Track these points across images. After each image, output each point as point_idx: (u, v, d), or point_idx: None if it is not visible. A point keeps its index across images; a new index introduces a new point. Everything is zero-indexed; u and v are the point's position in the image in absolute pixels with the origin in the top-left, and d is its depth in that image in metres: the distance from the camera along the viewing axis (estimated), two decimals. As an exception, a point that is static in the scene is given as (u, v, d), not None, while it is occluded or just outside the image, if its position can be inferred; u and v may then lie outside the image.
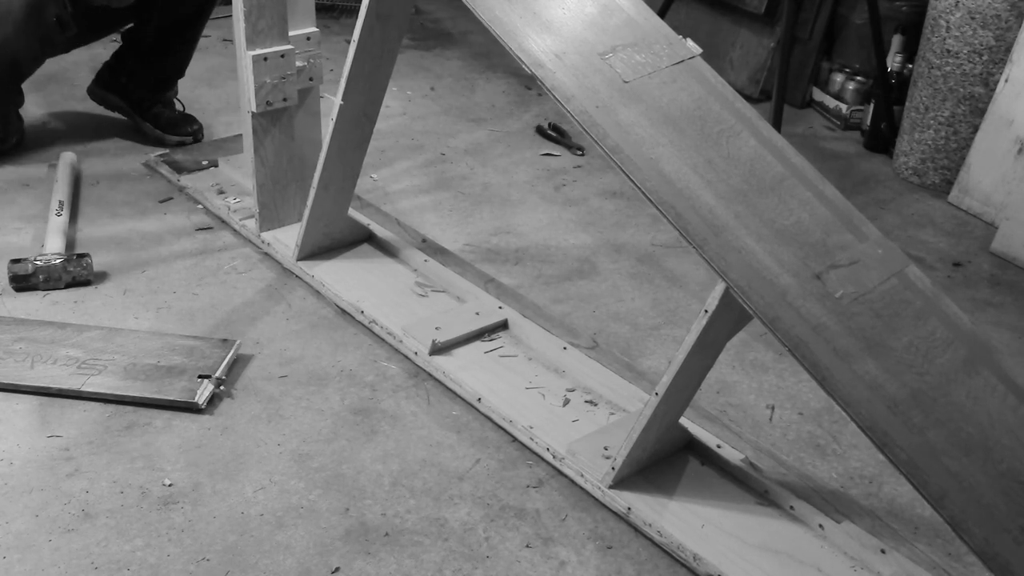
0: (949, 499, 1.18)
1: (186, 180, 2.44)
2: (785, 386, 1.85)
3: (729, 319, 1.40)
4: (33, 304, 1.98)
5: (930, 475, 1.19)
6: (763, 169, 1.42)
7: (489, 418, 1.71)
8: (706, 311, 1.37)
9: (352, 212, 2.17)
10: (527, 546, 1.47)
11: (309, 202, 2.01)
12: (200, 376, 1.75)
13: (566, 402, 1.72)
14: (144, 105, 2.68)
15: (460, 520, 1.52)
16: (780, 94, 2.58)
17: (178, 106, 2.73)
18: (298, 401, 1.75)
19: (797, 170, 1.44)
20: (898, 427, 1.21)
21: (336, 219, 2.09)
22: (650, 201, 1.35)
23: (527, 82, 3.25)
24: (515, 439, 1.67)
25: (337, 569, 1.42)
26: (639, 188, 1.36)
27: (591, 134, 1.39)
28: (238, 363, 1.83)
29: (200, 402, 1.70)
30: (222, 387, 1.76)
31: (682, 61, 1.51)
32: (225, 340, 1.85)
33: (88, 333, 1.85)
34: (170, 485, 1.56)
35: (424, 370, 1.82)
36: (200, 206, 2.37)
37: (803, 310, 1.28)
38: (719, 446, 1.61)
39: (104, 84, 2.70)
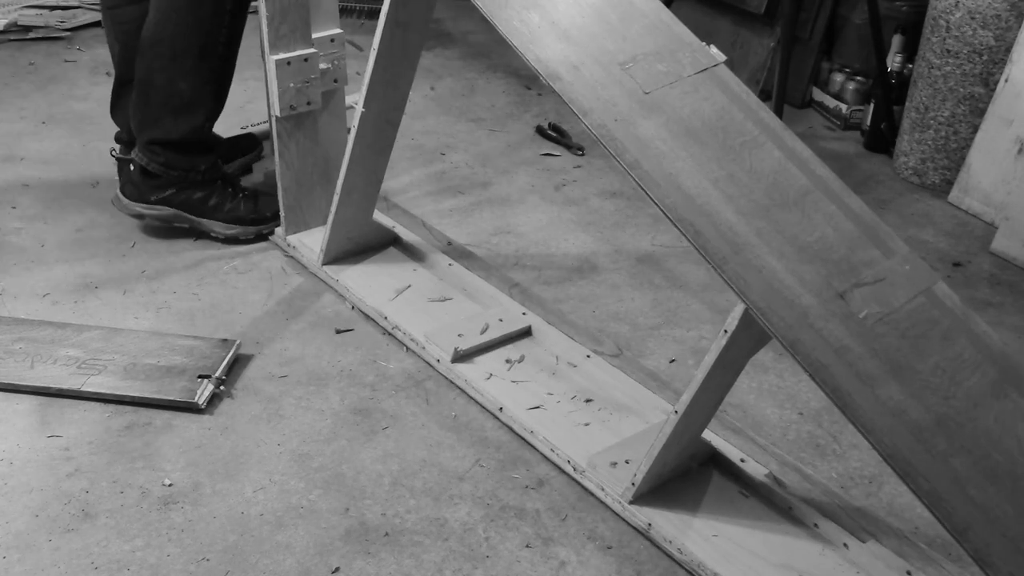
0: (973, 532, 1.13)
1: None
2: (785, 386, 1.85)
3: (750, 338, 1.36)
4: (33, 304, 1.99)
5: (954, 506, 1.14)
6: (786, 182, 1.37)
7: (510, 428, 1.69)
8: (726, 331, 1.33)
9: (377, 214, 2.16)
10: (527, 546, 1.47)
11: (332, 208, 2.00)
12: (200, 376, 1.75)
13: (588, 412, 1.70)
14: (194, 203, 2.20)
15: (460, 520, 1.52)
16: (780, 94, 2.58)
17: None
18: (298, 401, 1.75)
19: (822, 182, 1.39)
20: (921, 455, 1.17)
21: (360, 224, 2.08)
22: (669, 219, 1.30)
23: (527, 82, 3.25)
24: (527, 442, 1.67)
25: (337, 569, 1.42)
26: (658, 206, 1.31)
27: (609, 149, 1.33)
28: (238, 363, 1.83)
29: (200, 402, 1.70)
30: (222, 387, 1.76)
31: (705, 69, 1.45)
32: (225, 340, 1.85)
33: (88, 333, 1.85)
34: (170, 485, 1.56)
35: (446, 378, 1.81)
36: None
37: (825, 332, 1.23)
38: (743, 460, 1.58)
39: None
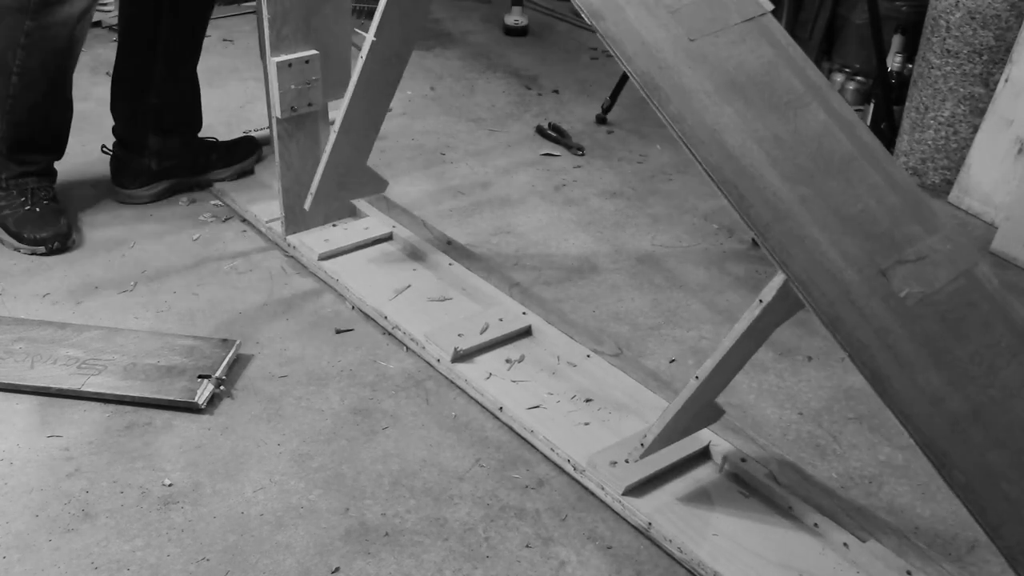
0: (1007, 528, 1.09)
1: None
2: (785, 386, 1.85)
3: (782, 309, 1.32)
4: (33, 304, 1.99)
5: (988, 501, 1.10)
6: (831, 147, 1.29)
7: (510, 427, 1.69)
8: (760, 301, 1.28)
9: (377, 213, 2.13)
10: (527, 546, 1.47)
11: (327, 148, 1.96)
12: (200, 376, 1.75)
13: (588, 412, 1.69)
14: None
15: (460, 520, 1.52)
16: (780, 94, 2.57)
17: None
18: (298, 401, 1.75)
19: (867, 150, 1.31)
20: (958, 446, 1.12)
21: (353, 167, 2.04)
22: (711, 179, 1.23)
23: (527, 82, 3.25)
24: (527, 442, 1.67)
25: (337, 569, 1.42)
26: (700, 164, 1.24)
27: (652, 99, 1.26)
28: (238, 363, 1.83)
29: (200, 402, 1.70)
30: (222, 387, 1.76)
31: (752, 19, 1.36)
32: (225, 340, 1.85)
33: (88, 333, 1.85)
34: (170, 485, 1.56)
35: (446, 377, 1.81)
36: (215, 202, 2.37)
37: (866, 310, 1.17)
38: (743, 460, 1.58)
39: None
